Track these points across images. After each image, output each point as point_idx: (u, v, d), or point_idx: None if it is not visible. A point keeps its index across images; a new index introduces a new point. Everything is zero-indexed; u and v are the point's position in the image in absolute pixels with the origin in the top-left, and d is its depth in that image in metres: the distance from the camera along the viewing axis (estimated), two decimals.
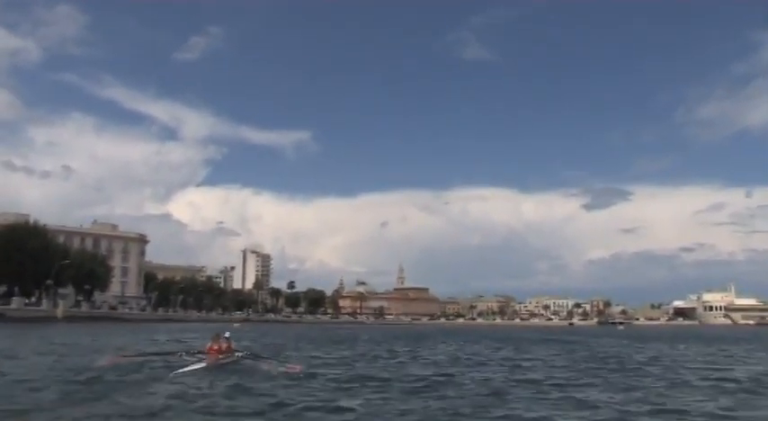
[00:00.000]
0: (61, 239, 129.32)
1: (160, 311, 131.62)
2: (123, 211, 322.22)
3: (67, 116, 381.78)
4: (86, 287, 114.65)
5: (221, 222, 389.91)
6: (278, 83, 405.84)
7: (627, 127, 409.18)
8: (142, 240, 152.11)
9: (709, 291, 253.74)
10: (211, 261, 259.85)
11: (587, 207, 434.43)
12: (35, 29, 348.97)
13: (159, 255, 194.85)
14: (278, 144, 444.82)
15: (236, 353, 21.08)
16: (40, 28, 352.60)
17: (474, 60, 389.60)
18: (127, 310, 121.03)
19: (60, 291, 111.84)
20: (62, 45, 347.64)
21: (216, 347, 19.97)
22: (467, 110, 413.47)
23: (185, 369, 17.98)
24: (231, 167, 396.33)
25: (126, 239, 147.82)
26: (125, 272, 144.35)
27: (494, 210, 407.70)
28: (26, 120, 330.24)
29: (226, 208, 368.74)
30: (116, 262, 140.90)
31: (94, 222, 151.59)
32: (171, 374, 17.21)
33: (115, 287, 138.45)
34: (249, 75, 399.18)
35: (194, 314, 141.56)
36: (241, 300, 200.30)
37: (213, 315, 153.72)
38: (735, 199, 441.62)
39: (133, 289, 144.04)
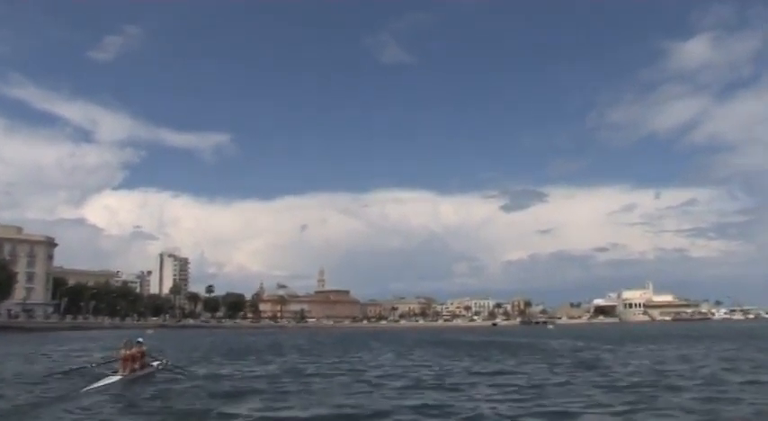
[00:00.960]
0: None
1: (68, 319, 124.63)
2: (35, 216, 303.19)
3: None
4: None
5: (138, 226, 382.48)
6: (196, 84, 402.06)
7: (542, 130, 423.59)
8: (49, 243, 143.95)
9: (629, 288, 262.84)
10: (128, 266, 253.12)
11: (505, 208, 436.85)
12: None
13: (74, 260, 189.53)
14: (196, 146, 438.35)
15: (153, 363, 21.40)
16: None
17: (392, 63, 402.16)
18: (32, 319, 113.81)
19: None
20: None
21: (129, 354, 19.41)
22: (384, 113, 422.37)
23: (98, 384, 17.03)
24: (149, 170, 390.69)
25: (31, 243, 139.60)
26: (31, 277, 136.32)
27: (413, 213, 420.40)
28: None
29: (143, 212, 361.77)
30: (21, 267, 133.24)
31: None
32: (82, 391, 16.13)
33: (20, 293, 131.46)
34: (167, 76, 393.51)
35: (106, 321, 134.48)
36: (158, 306, 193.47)
37: (128, 321, 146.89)
38: (645, 200, 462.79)
39: (40, 295, 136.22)
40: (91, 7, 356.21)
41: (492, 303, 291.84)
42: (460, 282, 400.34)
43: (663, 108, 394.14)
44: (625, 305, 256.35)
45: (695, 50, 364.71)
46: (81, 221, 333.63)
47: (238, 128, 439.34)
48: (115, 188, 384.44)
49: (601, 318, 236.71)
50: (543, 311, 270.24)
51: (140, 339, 21.48)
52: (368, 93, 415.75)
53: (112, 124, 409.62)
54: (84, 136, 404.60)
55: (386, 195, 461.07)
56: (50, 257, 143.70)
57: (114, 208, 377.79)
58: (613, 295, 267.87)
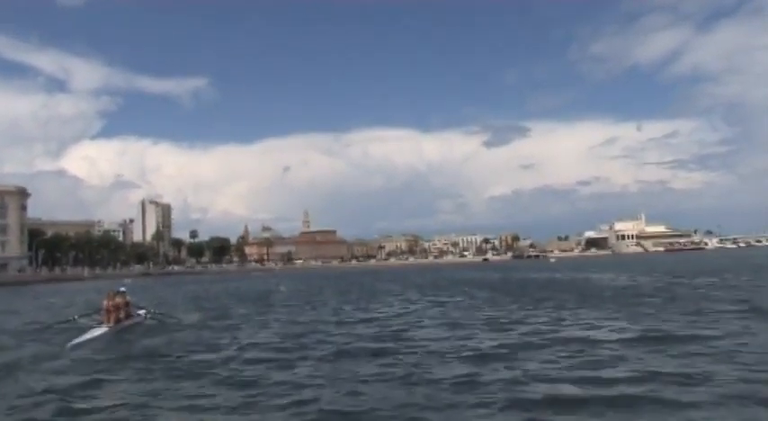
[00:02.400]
0: None
1: (44, 271, 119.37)
2: (12, 169, 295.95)
3: None
4: None
5: (120, 175, 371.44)
6: (171, 29, 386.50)
7: (523, 64, 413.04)
8: (22, 193, 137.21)
9: (621, 220, 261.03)
10: (112, 216, 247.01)
11: (487, 144, 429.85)
12: None
13: (56, 213, 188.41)
14: (174, 92, 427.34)
15: (139, 312, 21.38)
16: None
17: (371, 1, 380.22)
18: (5, 272, 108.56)
19: None
20: None
21: (112, 304, 19.13)
22: (364, 50, 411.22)
23: (83, 337, 16.59)
24: (127, 118, 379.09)
25: (2, 193, 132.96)
26: (3, 229, 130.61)
27: (395, 151, 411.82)
28: None
29: (123, 160, 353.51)
30: None
31: None
32: (68, 345, 15.54)
33: None
34: (140, 21, 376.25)
35: (86, 272, 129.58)
36: (141, 254, 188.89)
37: (109, 271, 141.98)
38: (627, 133, 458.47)
39: (15, 248, 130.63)
40: None
41: (479, 239, 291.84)
42: (445, 219, 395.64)
43: (645, 39, 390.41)
44: (617, 237, 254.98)
45: None
46: (61, 173, 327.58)
47: (216, 71, 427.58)
48: (93, 137, 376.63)
49: (593, 251, 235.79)
50: (532, 245, 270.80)
51: (123, 288, 21.30)
52: (347, 31, 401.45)
53: (86, 72, 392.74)
54: (57, 85, 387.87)
55: (368, 134, 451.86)
56: (24, 208, 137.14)
57: (93, 158, 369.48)
58: (605, 227, 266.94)
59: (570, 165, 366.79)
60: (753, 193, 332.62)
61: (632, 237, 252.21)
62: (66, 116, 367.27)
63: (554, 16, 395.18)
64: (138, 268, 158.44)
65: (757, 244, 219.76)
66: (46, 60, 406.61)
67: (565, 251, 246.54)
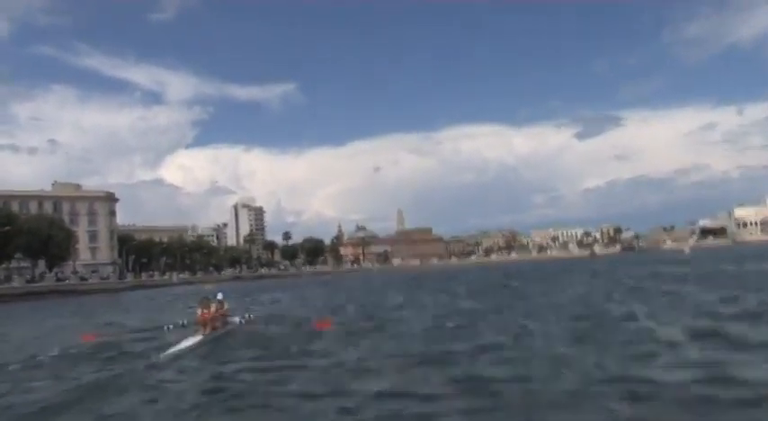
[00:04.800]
0: (14, 206, 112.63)
1: (129, 278, 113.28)
2: (115, 180, 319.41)
3: (48, 89, 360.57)
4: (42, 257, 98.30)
5: (215, 182, 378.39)
6: (257, 36, 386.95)
7: (613, 52, 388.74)
8: (110, 199, 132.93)
9: (741, 205, 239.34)
10: (210, 222, 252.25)
11: (579, 136, 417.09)
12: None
13: (155, 221, 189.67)
14: (263, 98, 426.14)
15: (235, 319, 19.92)
16: (4, 0, 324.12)
17: None
18: (90, 280, 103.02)
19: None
20: (31, 16, 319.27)
21: (206, 312, 17.92)
22: (449, 48, 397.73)
23: (176, 348, 15.51)
24: (219, 126, 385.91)
25: (91, 199, 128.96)
26: (93, 236, 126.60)
27: (485, 147, 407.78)
28: (5, 96, 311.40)
29: (218, 167, 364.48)
30: (81, 226, 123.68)
31: (55, 184, 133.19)
32: (160, 356, 14.69)
33: (85, 254, 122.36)
34: (227, 30, 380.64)
35: (175, 276, 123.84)
36: (234, 257, 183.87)
37: (198, 276, 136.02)
38: (726, 117, 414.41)
39: (105, 254, 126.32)
40: None
41: (579, 232, 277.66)
42: (539, 213, 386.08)
43: (744, 16, 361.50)
44: (738, 224, 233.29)
45: None
46: (159, 182, 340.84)
47: (303, 75, 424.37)
48: (188, 146, 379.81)
49: (710, 240, 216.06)
50: (636, 237, 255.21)
51: (219, 295, 19.94)
52: (430, 29, 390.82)
53: (179, 84, 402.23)
54: (153, 98, 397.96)
55: (457, 132, 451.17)
56: (113, 213, 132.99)
57: (189, 166, 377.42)
58: (721, 214, 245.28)
59: (667, 154, 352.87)
60: None
61: (755, 225, 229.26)
62: (162, 127, 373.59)
63: (643, 0, 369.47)
64: (228, 272, 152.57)
65: None
66: (142, 75, 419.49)
67: (677, 241, 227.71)
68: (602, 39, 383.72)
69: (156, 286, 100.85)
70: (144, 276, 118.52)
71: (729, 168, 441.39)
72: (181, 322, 18.95)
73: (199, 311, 18.12)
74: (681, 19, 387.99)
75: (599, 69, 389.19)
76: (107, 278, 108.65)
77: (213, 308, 18.41)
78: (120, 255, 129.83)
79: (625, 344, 13.15)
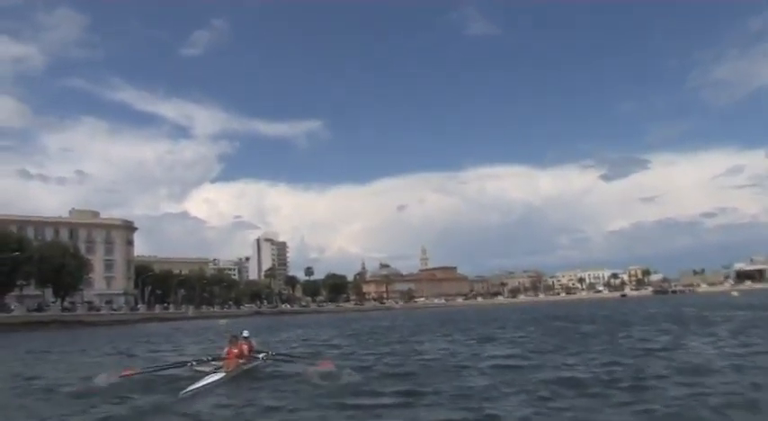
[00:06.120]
0: (30, 232, 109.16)
1: (141, 309, 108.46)
2: (141, 212, 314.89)
3: (79, 121, 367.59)
4: (51, 285, 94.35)
5: (239, 216, 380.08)
6: (285, 73, 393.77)
7: (640, 94, 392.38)
8: (128, 227, 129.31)
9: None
10: (232, 256, 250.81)
11: (605, 178, 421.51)
12: (36, 34, 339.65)
13: (180, 253, 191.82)
14: (290, 134, 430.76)
15: (260, 356, 18.26)
16: (41, 32, 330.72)
17: (479, 35, 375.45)
18: (102, 311, 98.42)
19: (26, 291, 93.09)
20: (65, 49, 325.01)
21: (235, 351, 17.00)
22: (474, 88, 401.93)
23: (199, 384, 14.36)
24: (245, 161, 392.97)
25: (108, 227, 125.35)
26: (110, 265, 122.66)
27: (510, 188, 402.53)
28: (37, 127, 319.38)
29: (242, 202, 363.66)
30: (98, 254, 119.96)
31: (72, 211, 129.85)
32: (180, 393, 13.38)
33: (100, 283, 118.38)
34: (256, 67, 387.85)
35: (190, 310, 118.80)
36: (255, 292, 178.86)
37: (215, 310, 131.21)
38: (754, 160, 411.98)
39: (120, 284, 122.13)
40: (176, 3, 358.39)
41: (606, 273, 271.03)
42: (563, 255, 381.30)
43: None
44: None
45: None
46: (184, 215, 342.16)
47: (330, 113, 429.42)
48: (213, 181, 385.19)
49: (749, 284, 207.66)
50: (665, 280, 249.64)
51: (246, 333, 18.36)
52: (456, 68, 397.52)
53: (206, 118, 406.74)
54: (180, 132, 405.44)
55: (481, 172, 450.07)
56: (130, 243, 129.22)
57: (214, 200, 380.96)
58: (759, 257, 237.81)
59: (693, 197, 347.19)
60: None
61: None
62: (189, 160, 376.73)
63: (671, 42, 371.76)
64: (247, 307, 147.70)
65: None
66: (170, 109, 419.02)
67: (712, 285, 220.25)
68: (629, 81, 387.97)
69: (170, 319, 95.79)
70: (158, 308, 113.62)
71: (757, 212, 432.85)
72: (206, 359, 17.62)
73: (226, 348, 17.31)
74: (708, 61, 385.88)
75: (626, 111, 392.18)
76: (119, 309, 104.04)
77: (243, 346, 17.53)
78: (136, 286, 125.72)
79: None
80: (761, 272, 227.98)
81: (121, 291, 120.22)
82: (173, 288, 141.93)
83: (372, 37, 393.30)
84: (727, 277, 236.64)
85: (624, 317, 45.92)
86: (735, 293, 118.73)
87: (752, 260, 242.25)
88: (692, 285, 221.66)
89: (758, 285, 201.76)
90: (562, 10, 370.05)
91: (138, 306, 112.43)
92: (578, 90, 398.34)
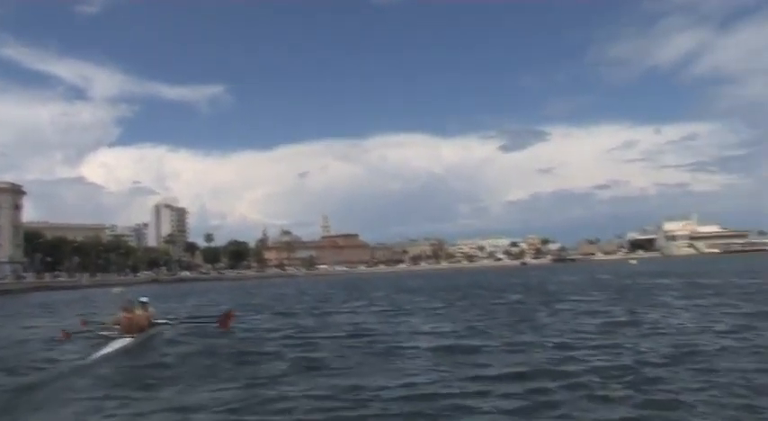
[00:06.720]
0: None
1: (29, 278, 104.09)
2: (34, 177, 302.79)
3: None
4: None
5: (137, 182, 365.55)
6: (188, 36, 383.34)
7: (540, 68, 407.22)
8: (15, 191, 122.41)
9: (670, 219, 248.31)
10: (130, 222, 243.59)
11: (504, 148, 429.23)
12: None
13: (76, 219, 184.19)
14: (192, 99, 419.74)
15: (162, 322, 19.01)
16: None
17: (384, 4, 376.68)
18: None
19: None
20: None
21: (129, 317, 16.64)
22: (379, 56, 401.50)
23: (103, 352, 14.23)
24: (144, 125, 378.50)
25: None
26: None
27: (413, 156, 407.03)
28: None
29: (141, 167, 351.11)
30: None
31: None
32: (89, 359, 13.50)
33: None
34: (157, 28, 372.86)
35: (84, 278, 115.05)
36: (153, 259, 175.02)
37: (112, 277, 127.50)
38: (645, 136, 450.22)
39: (6, 251, 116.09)
40: None
41: (506, 242, 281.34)
42: (464, 224, 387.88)
43: (664, 41, 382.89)
44: (667, 238, 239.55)
45: None
46: (80, 180, 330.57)
47: (233, 78, 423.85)
48: (111, 145, 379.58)
49: (639, 253, 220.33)
50: (562, 248, 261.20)
51: (144, 299, 18.24)
52: (361, 36, 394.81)
53: (104, 80, 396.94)
54: (76, 93, 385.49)
55: (385, 140, 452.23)
56: (18, 208, 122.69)
57: (112, 165, 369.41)
58: (651, 228, 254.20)
59: (589, 169, 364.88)
60: None
61: (683, 239, 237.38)
62: (85, 124, 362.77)
63: (572, 18, 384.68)
64: (145, 274, 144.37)
65: None
66: (65, 69, 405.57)
67: (608, 254, 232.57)
68: (530, 54, 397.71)
69: (62, 288, 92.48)
70: (49, 277, 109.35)
71: (647, 185, 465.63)
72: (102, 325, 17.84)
73: (121, 315, 16.77)
74: (606, 39, 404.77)
75: (526, 84, 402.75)
76: (4, 278, 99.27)
77: (138, 312, 17.25)
78: (26, 254, 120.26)
79: None
80: (650, 241, 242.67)
81: (7, 259, 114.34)
82: (66, 255, 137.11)
83: (276, 2, 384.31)
84: (621, 246, 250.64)
85: (546, 286, 45.79)
86: (633, 262, 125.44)
87: (644, 230, 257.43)
88: (587, 254, 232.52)
89: (649, 254, 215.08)
90: None
91: (26, 274, 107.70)
92: (481, 62, 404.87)
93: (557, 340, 14.63)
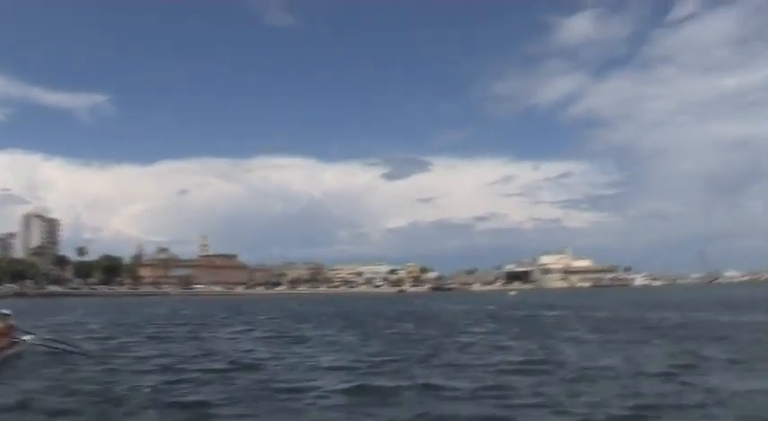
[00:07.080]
0: None
1: None
2: None
3: None
4: None
5: (6, 189, 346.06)
6: (71, 42, 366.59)
7: (427, 99, 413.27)
8: None
9: (546, 253, 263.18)
10: None
11: (387, 176, 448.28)
12: None
13: None
14: (71, 106, 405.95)
15: (24, 338, 17.66)
16: None
17: (275, 26, 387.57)
18: None
19: None
20: None
21: None
22: (265, 77, 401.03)
23: None
24: (17, 130, 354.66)
25: None
26: None
27: (295, 179, 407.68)
28: None
29: (11, 174, 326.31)
30: None
31: None
32: None
33: None
34: (39, 32, 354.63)
35: None
36: (19, 271, 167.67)
37: None
38: (524, 171, 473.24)
39: None
40: None
41: (385, 269, 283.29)
42: (342, 249, 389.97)
43: (545, 82, 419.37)
44: (543, 271, 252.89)
45: (578, 26, 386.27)
46: None
47: (117, 88, 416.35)
48: None
49: (516, 285, 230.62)
50: (439, 278, 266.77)
51: (6, 310, 17.42)
52: (251, 55, 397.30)
53: None
54: None
55: (267, 161, 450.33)
56: None
57: None
58: (526, 260, 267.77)
59: (469, 201, 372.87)
60: (641, 234, 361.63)
61: (557, 272, 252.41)
62: None
63: (460, 53, 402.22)
64: (8, 287, 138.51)
65: (680, 281, 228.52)
66: None
67: (486, 284, 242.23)
68: (417, 85, 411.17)
69: None
70: None
71: (524, 219, 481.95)
72: None
73: None
74: (491, 76, 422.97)
75: (412, 114, 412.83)
76: None
77: None
78: None
79: None
80: (527, 273, 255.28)
81: None
82: None
83: (168, 17, 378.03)
84: (497, 277, 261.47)
85: (438, 316, 44.49)
86: (512, 292, 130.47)
87: (519, 262, 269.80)
88: (466, 283, 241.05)
89: (525, 285, 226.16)
90: (361, 8, 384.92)
91: None
92: (367, 88, 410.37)
93: (489, 383, 12.74)
